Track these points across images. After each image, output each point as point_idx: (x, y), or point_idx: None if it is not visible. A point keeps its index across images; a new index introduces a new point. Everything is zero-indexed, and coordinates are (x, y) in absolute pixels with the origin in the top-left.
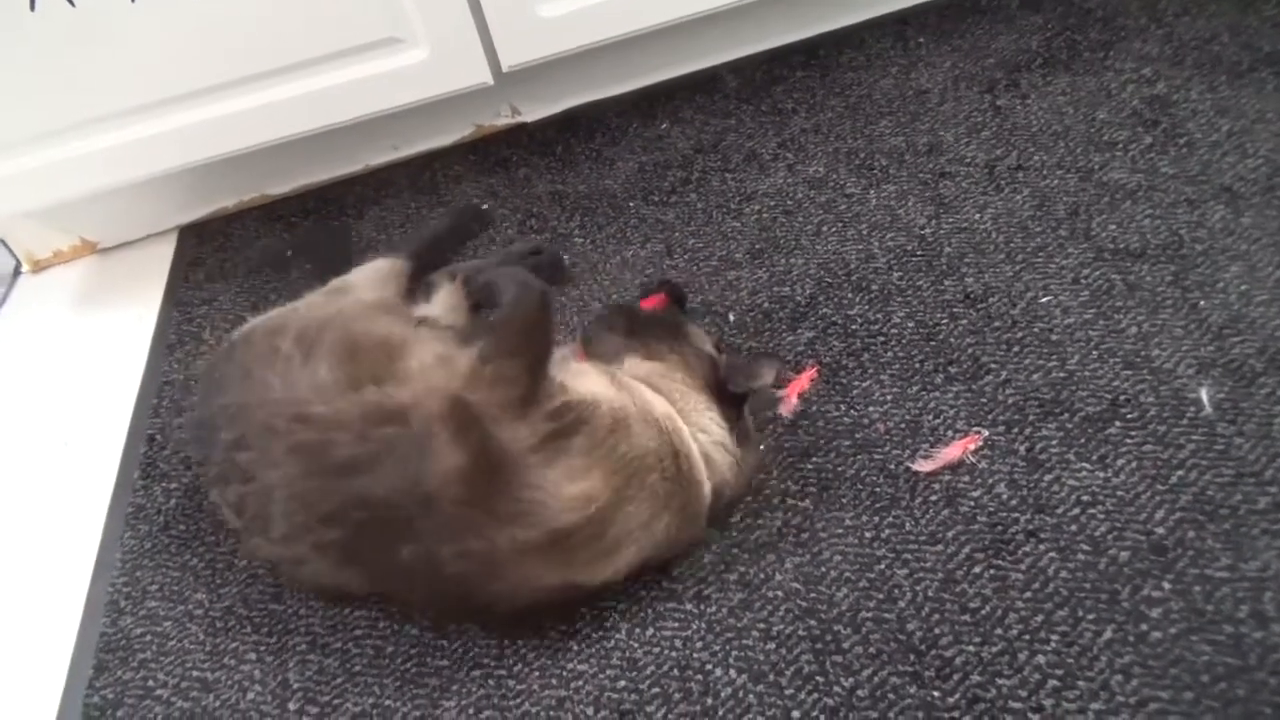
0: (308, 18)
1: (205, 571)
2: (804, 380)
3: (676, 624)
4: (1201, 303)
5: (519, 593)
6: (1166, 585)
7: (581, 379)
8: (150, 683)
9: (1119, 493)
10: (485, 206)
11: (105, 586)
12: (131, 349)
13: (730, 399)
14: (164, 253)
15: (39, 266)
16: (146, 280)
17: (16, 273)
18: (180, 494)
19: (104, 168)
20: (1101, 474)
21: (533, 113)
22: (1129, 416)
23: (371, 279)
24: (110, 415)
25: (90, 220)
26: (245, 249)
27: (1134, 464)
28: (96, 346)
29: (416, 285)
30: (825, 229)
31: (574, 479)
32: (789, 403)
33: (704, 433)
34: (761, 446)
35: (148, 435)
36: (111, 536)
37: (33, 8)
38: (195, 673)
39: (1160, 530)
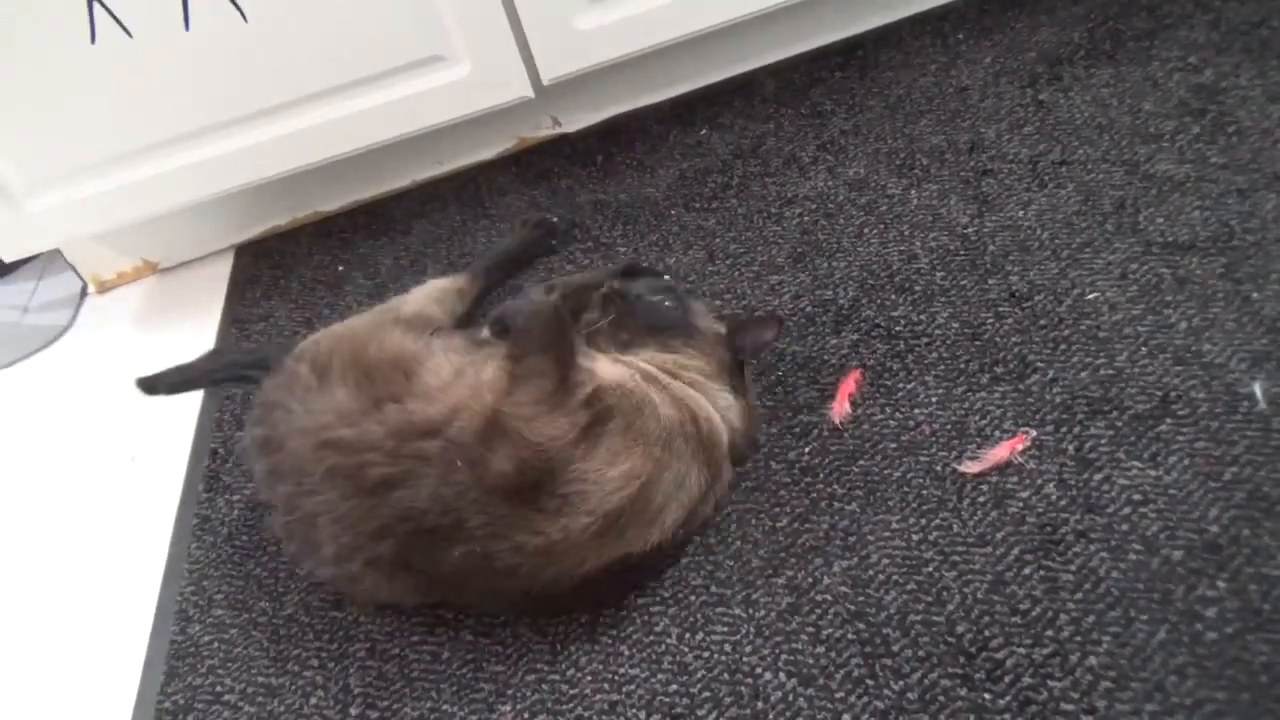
0: (354, 40)
1: (268, 580)
2: (850, 383)
3: (726, 628)
4: (1254, 295)
5: (574, 574)
6: (1221, 584)
7: (600, 366)
8: (218, 688)
9: (1171, 491)
10: (555, 219)
11: (174, 595)
12: None
13: (736, 361)
14: (221, 271)
15: (104, 287)
16: (205, 298)
17: (83, 294)
18: (243, 506)
19: (163, 191)
20: (1153, 472)
21: (574, 123)
22: (1180, 413)
23: (424, 296)
24: (174, 430)
25: (151, 241)
26: (298, 267)
27: (1186, 461)
28: (160, 363)
29: (481, 305)
30: (867, 231)
31: (616, 462)
32: (840, 408)
33: (715, 402)
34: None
35: (211, 449)
36: (179, 547)
37: (93, 40)
38: (261, 679)
39: (1214, 529)
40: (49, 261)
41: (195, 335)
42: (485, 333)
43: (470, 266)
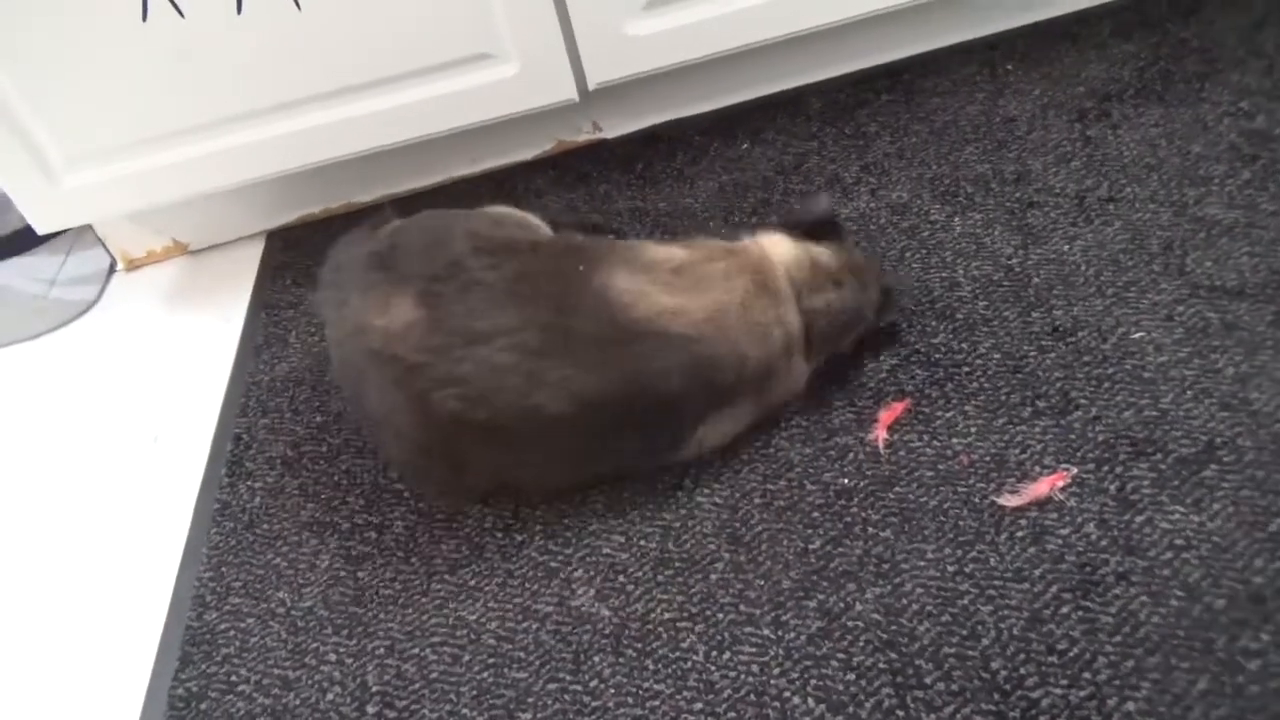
0: (404, 33)
1: (288, 571)
2: (895, 412)
3: (754, 649)
4: None
5: (653, 324)
6: (1265, 636)
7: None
8: (233, 678)
9: (1214, 538)
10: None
11: (191, 581)
12: (219, 349)
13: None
14: (252, 256)
15: (133, 265)
16: (234, 282)
17: (111, 271)
18: (264, 493)
19: (201, 173)
20: (1196, 517)
21: (614, 129)
22: (1225, 459)
23: None
24: (198, 413)
25: (183, 222)
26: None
27: (1230, 509)
28: (185, 345)
29: None
30: (908, 255)
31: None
32: (879, 435)
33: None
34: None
35: (235, 434)
36: (198, 532)
37: (144, 18)
38: (276, 670)
39: (1259, 579)
40: (78, 236)
41: (222, 319)
42: None
43: None
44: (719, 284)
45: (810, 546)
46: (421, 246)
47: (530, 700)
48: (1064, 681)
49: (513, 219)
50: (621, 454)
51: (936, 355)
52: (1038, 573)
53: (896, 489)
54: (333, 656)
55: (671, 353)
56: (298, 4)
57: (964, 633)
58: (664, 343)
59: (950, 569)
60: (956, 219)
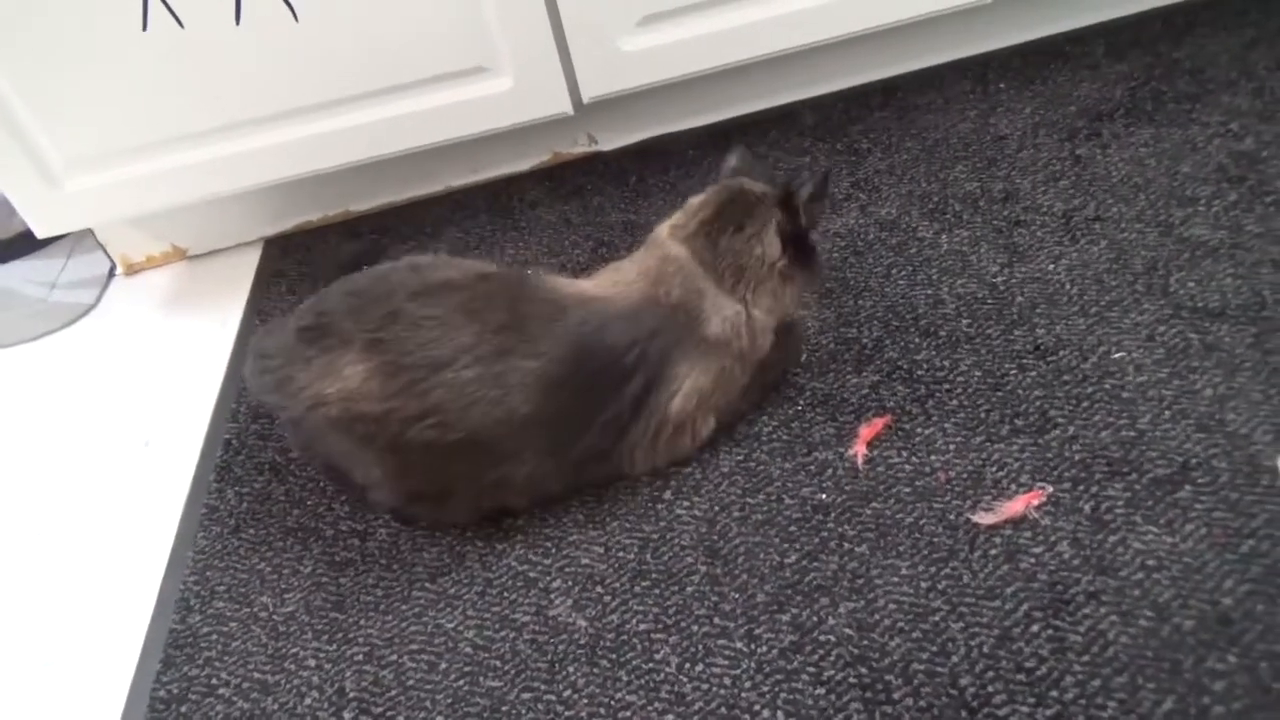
0: (401, 45)
1: (272, 576)
2: (875, 427)
3: (726, 661)
4: None
5: (581, 297)
6: (1232, 659)
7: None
8: (213, 681)
9: (1186, 559)
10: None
11: (177, 584)
12: (214, 354)
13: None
14: (249, 262)
15: (132, 270)
16: (231, 288)
17: (111, 275)
18: (251, 499)
19: (200, 180)
20: (1169, 539)
21: (609, 142)
22: (1200, 481)
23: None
24: (190, 417)
25: (182, 228)
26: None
27: (1203, 530)
28: (181, 350)
29: None
30: (895, 272)
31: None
32: (858, 450)
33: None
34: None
35: (224, 439)
36: (185, 536)
37: (145, 27)
38: (256, 674)
39: (1228, 601)
40: (79, 240)
41: (219, 324)
42: None
43: None
44: (619, 272)
45: (786, 560)
46: (354, 309)
47: (504, 709)
48: (1031, 700)
49: (442, 260)
50: (597, 429)
51: (919, 372)
52: (1009, 591)
53: (873, 505)
54: (312, 661)
55: (598, 311)
56: (295, 15)
57: (934, 649)
58: (592, 308)
59: (923, 585)
60: (944, 236)
